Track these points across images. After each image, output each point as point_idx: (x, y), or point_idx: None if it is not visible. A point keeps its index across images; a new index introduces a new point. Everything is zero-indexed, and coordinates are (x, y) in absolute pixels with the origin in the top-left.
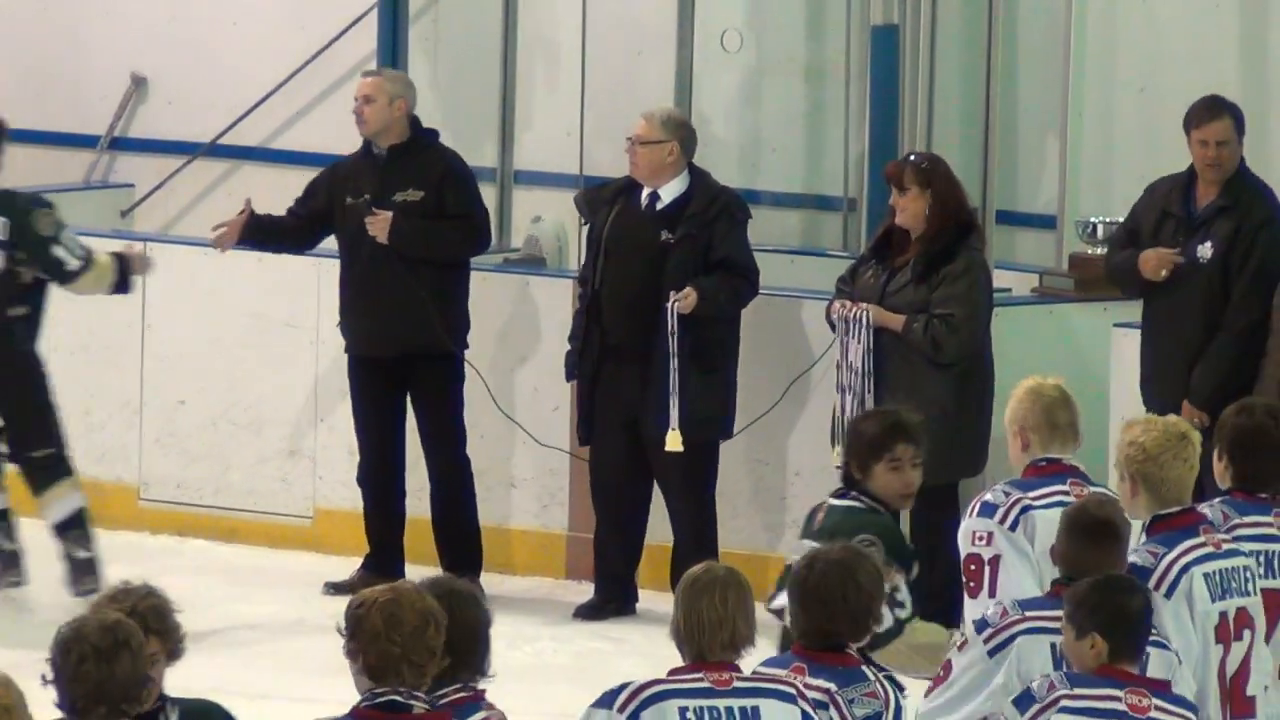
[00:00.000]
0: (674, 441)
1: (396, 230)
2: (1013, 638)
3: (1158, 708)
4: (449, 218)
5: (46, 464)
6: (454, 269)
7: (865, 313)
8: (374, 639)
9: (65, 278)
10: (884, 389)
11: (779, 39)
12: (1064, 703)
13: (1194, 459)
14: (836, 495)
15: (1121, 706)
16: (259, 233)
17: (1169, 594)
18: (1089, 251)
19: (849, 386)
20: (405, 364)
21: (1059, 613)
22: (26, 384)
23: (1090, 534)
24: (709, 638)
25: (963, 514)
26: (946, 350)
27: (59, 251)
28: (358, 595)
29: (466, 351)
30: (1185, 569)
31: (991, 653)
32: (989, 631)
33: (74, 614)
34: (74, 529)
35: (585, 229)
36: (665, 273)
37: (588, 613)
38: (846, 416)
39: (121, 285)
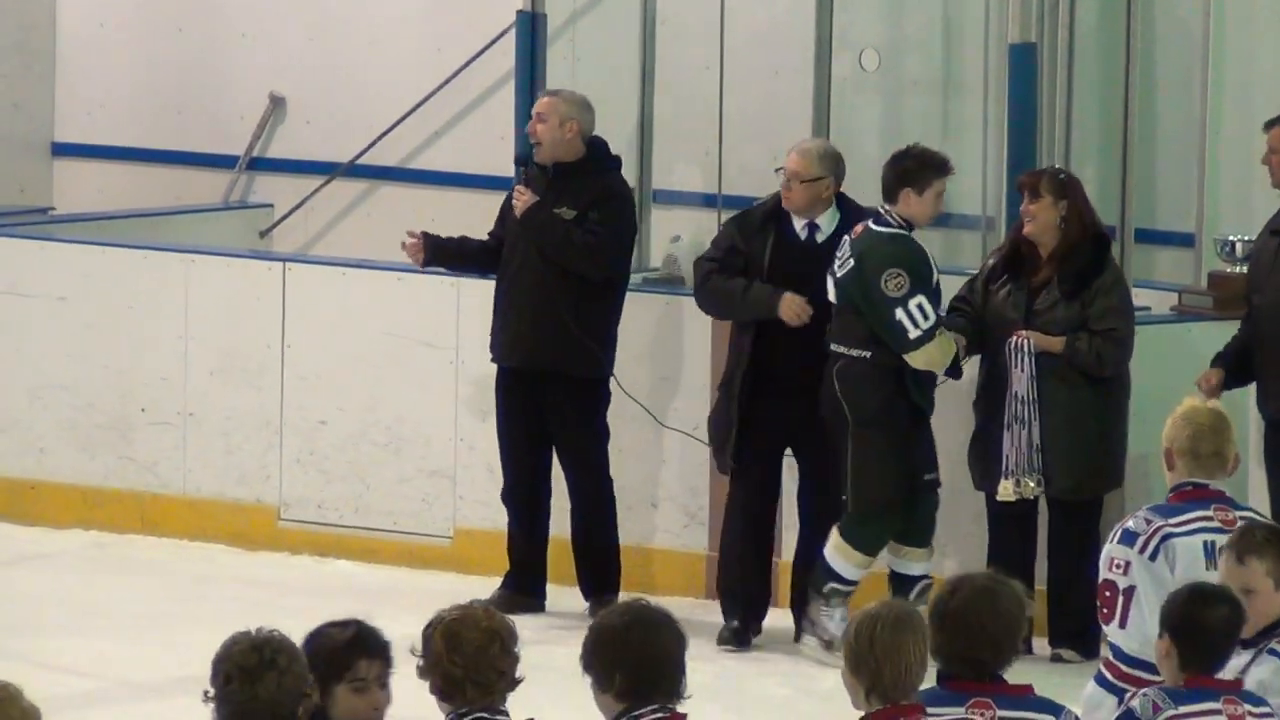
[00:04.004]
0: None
1: (531, 212)
2: None
3: (1250, 714)
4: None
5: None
6: (596, 291)
7: (1026, 340)
8: (437, 661)
9: (903, 345)
10: (1043, 412)
11: (917, 57)
12: None
13: None
14: None
15: (1221, 718)
16: (447, 255)
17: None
18: (1228, 269)
19: (1018, 417)
20: (546, 382)
21: (1204, 705)
22: (852, 433)
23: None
24: (916, 678)
25: (1105, 537)
26: (1109, 364)
27: (900, 315)
28: (433, 617)
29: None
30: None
31: None
32: None
33: None
34: (822, 581)
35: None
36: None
37: (739, 642)
38: (1019, 450)
39: (956, 370)
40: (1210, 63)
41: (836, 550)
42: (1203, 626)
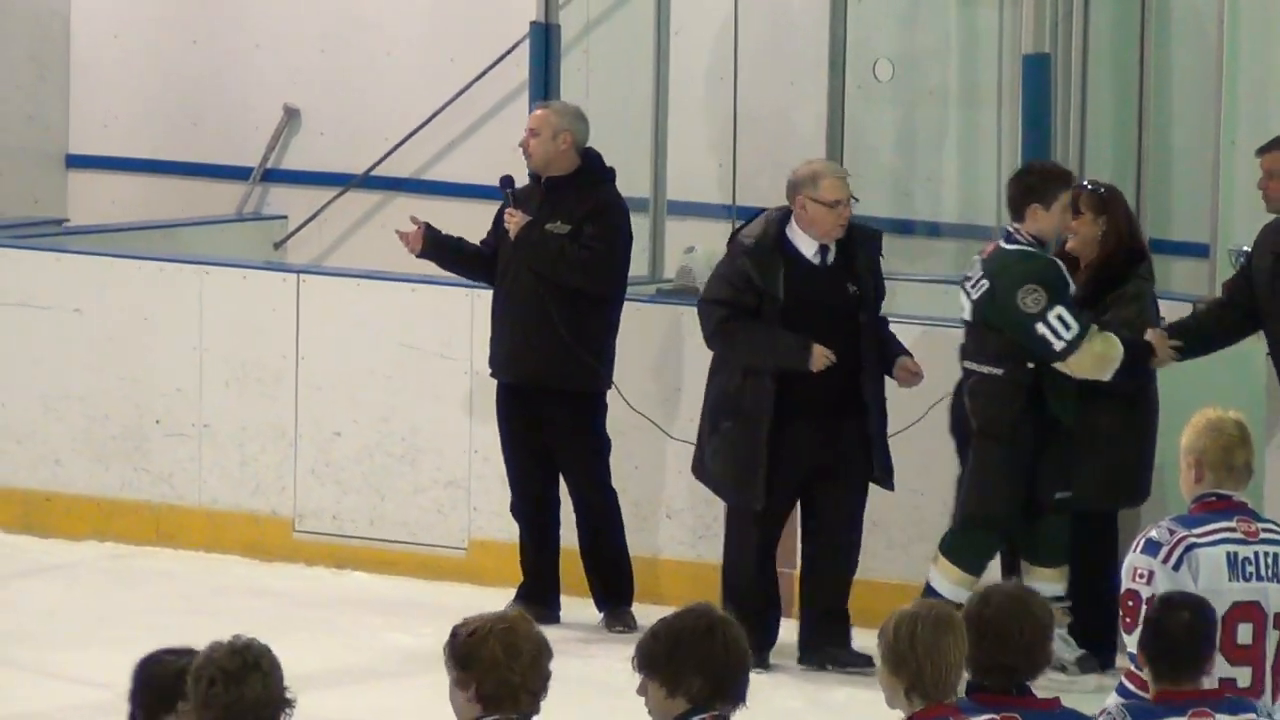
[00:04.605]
0: None
1: (524, 233)
2: None
3: None
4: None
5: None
6: (592, 304)
7: None
8: (492, 667)
9: (1053, 357)
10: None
11: (931, 68)
12: None
13: None
14: None
15: None
16: (444, 251)
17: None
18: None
19: None
20: (543, 396)
21: None
22: (974, 446)
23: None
24: (955, 677)
25: (1127, 548)
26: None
27: (1042, 330)
28: (467, 623)
29: (618, 380)
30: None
31: None
32: None
33: None
34: None
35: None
36: (862, 327)
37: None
38: None
39: (1129, 371)
40: (1225, 73)
41: (935, 567)
42: (1165, 633)
